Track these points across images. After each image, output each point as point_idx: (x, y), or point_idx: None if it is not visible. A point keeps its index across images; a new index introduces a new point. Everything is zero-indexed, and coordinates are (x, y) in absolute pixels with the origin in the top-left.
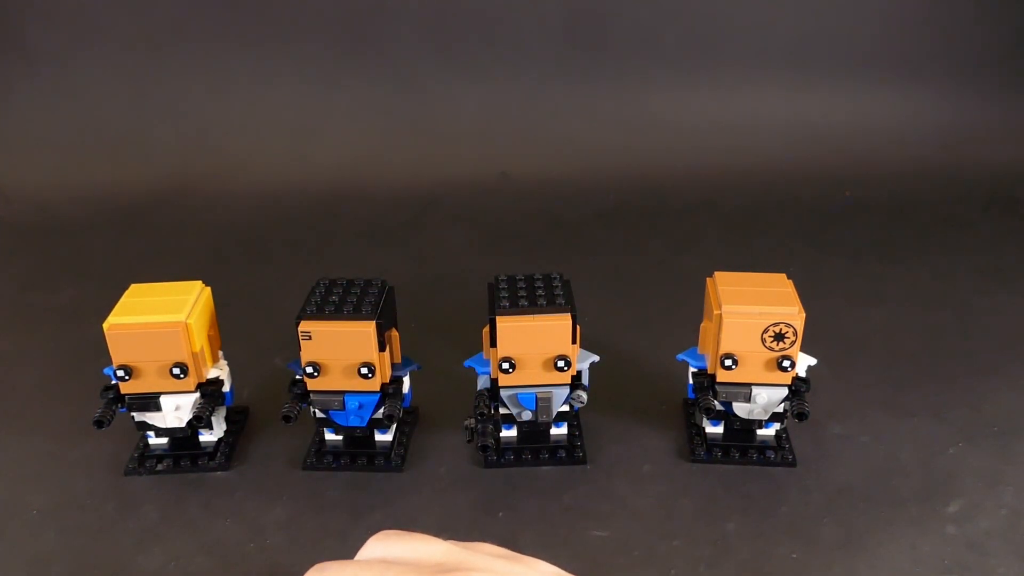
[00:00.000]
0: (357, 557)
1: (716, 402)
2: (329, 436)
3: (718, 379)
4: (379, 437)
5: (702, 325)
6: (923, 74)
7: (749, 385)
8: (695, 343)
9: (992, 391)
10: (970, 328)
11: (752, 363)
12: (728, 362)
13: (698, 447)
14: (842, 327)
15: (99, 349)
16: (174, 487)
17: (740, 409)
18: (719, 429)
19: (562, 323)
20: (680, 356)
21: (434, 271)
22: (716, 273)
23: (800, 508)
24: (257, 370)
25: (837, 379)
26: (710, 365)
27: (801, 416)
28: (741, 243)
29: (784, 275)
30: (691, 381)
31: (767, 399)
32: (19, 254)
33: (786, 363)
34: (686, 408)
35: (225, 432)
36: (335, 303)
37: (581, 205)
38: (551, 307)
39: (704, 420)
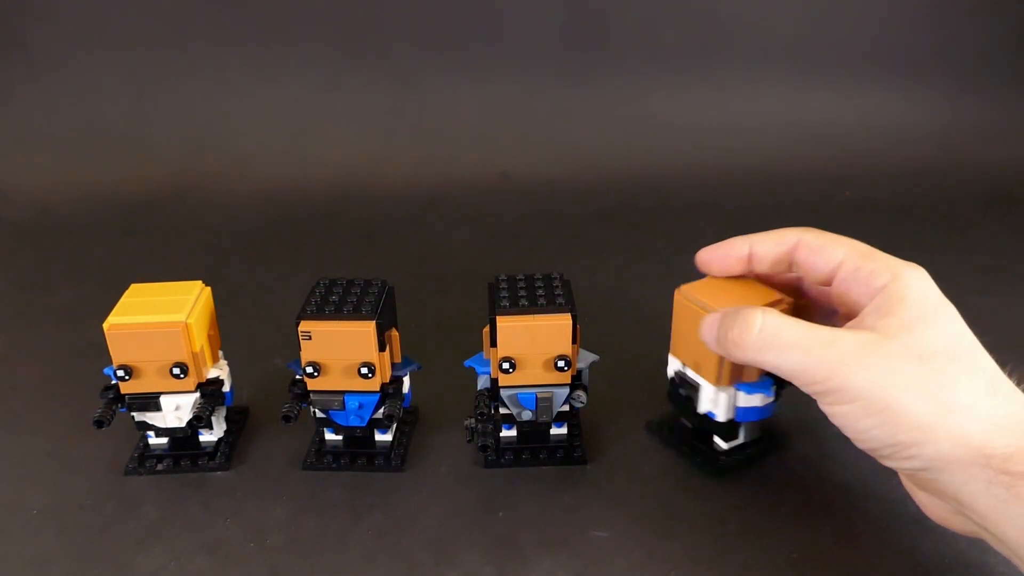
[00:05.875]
0: None
1: None
2: (329, 436)
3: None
4: (379, 437)
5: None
6: (923, 74)
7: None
8: None
9: None
10: (970, 328)
11: None
12: None
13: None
14: None
15: (99, 349)
16: (174, 487)
17: None
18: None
19: (562, 323)
20: (750, 391)
21: (434, 271)
22: (683, 287)
23: (800, 508)
24: (257, 370)
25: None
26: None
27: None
28: None
29: (751, 279)
30: (762, 403)
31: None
32: (19, 254)
33: None
34: (668, 433)
35: (225, 432)
36: (335, 303)
37: (581, 205)
38: (551, 307)
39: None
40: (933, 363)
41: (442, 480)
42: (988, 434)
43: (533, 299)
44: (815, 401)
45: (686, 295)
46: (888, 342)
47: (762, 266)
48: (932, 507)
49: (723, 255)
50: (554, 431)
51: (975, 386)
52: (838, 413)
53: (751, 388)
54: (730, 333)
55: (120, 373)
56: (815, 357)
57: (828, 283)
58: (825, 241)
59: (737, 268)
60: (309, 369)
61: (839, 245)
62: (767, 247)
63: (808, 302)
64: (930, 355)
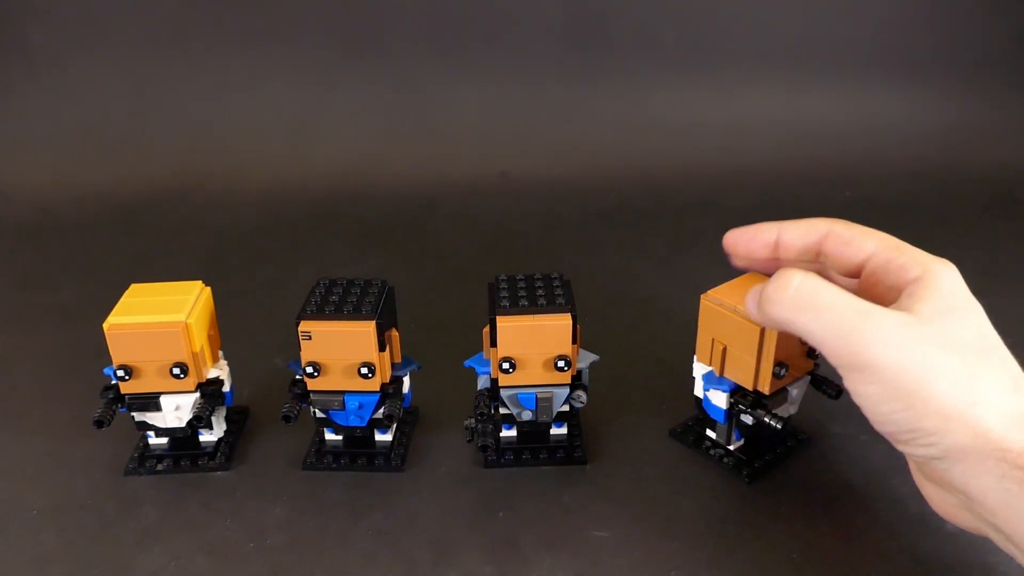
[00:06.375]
0: None
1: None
2: (329, 436)
3: (767, 392)
4: (379, 437)
5: (711, 351)
6: (923, 74)
7: (785, 387)
8: (693, 346)
9: None
10: None
11: (796, 364)
12: (780, 370)
13: (750, 465)
14: None
15: (99, 349)
16: (174, 487)
17: (780, 411)
18: (741, 441)
19: (562, 323)
20: (706, 388)
21: (434, 271)
22: (709, 292)
23: (800, 508)
24: (257, 370)
25: (837, 378)
26: (750, 382)
27: (839, 394)
28: None
29: (756, 274)
30: (723, 405)
31: (797, 392)
32: (19, 254)
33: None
34: (681, 437)
35: (225, 432)
36: (335, 303)
37: (581, 205)
38: (551, 307)
39: (734, 438)
40: (964, 353)
41: (442, 480)
42: (1007, 428)
43: (533, 299)
44: (814, 403)
45: (712, 299)
46: (925, 326)
47: (789, 254)
48: (939, 500)
49: (750, 238)
50: (554, 431)
51: (1000, 381)
52: (862, 392)
53: (708, 380)
54: (768, 288)
55: (120, 373)
56: (850, 325)
57: (856, 275)
58: (856, 233)
59: (763, 253)
60: (309, 369)
61: (870, 237)
62: (796, 235)
63: None
64: (961, 345)
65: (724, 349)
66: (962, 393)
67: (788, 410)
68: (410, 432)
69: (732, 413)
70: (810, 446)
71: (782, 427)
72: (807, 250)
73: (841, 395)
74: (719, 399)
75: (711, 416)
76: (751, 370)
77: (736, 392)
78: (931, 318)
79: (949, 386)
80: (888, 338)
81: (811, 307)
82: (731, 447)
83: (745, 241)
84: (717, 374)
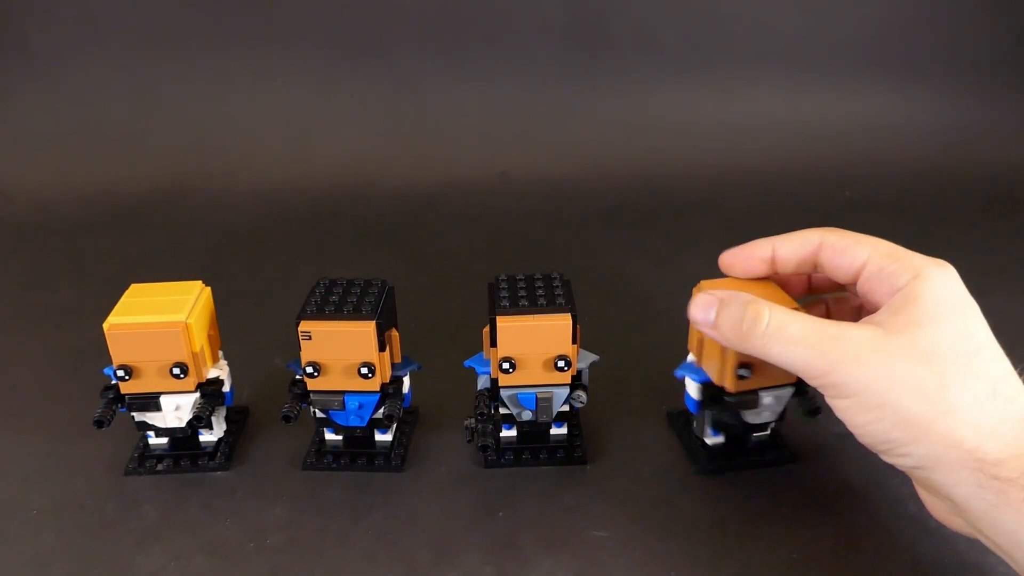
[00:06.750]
0: None
1: (727, 414)
2: (329, 436)
3: (731, 390)
4: (379, 437)
5: (696, 339)
6: (923, 74)
7: (757, 391)
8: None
9: None
10: None
11: (766, 369)
12: (743, 371)
13: (702, 459)
14: None
15: (99, 349)
16: (174, 487)
17: (750, 415)
18: (720, 438)
19: (562, 323)
20: (678, 373)
21: (434, 271)
22: (701, 283)
23: (800, 508)
24: (257, 370)
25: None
26: (716, 377)
27: (815, 412)
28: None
29: (771, 282)
30: (695, 396)
31: (774, 400)
32: (19, 254)
33: None
34: (674, 420)
35: (225, 432)
36: (335, 303)
37: (581, 205)
38: (551, 307)
39: (707, 432)
40: (934, 362)
41: (442, 480)
42: (982, 438)
43: (533, 299)
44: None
45: (702, 291)
46: (891, 339)
47: (786, 268)
48: (934, 505)
49: (746, 257)
50: (554, 431)
51: (974, 389)
52: (839, 407)
53: (687, 368)
54: (742, 325)
55: (120, 373)
56: (817, 351)
57: (853, 283)
58: (849, 242)
59: (760, 270)
60: (309, 369)
61: (863, 245)
62: (790, 249)
63: (828, 305)
64: (933, 354)
65: (701, 340)
66: (931, 403)
67: (761, 416)
68: (410, 432)
69: (703, 405)
70: (808, 456)
71: (750, 431)
72: (803, 263)
73: (816, 414)
74: (692, 388)
75: (687, 406)
76: (718, 365)
77: (706, 384)
78: (903, 328)
79: (916, 397)
80: (853, 355)
81: (781, 339)
82: (707, 440)
83: (742, 260)
84: (696, 364)
